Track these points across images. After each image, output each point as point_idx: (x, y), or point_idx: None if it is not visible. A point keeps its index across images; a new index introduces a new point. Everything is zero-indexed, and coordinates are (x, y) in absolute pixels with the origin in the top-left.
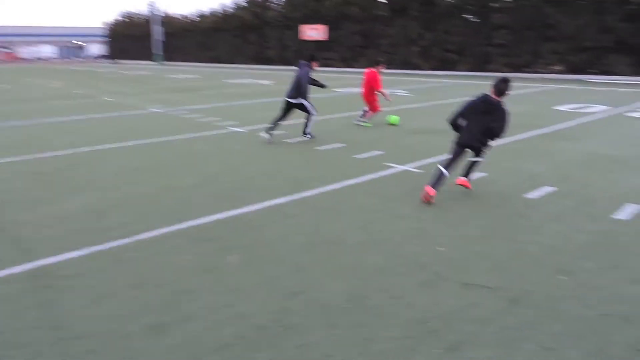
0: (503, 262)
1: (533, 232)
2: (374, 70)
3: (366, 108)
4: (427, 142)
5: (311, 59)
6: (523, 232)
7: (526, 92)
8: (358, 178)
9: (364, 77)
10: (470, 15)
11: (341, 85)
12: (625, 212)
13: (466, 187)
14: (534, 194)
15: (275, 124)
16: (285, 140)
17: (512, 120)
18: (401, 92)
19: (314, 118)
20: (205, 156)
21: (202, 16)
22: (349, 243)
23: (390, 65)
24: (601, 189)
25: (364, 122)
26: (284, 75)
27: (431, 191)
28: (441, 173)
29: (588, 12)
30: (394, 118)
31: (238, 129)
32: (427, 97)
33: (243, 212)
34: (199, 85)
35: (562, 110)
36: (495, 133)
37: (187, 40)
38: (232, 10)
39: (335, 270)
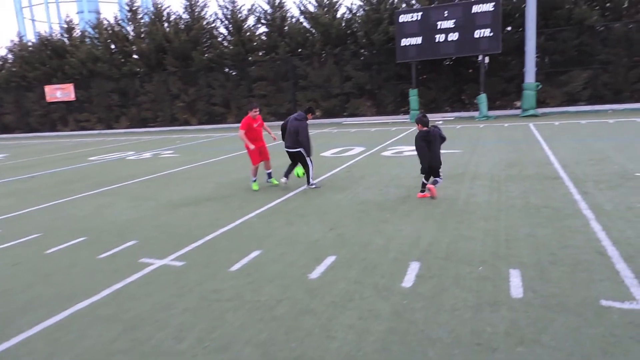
0: None
1: (324, 338)
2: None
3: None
4: (193, 217)
5: (308, 111)
6: (313, 343)
7: None
8: (97, 295)
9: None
10: (230, 68)
11: (97, 152)
12: (410, 276)
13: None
14: (317, 271)
15: (290, 168)
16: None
17: None
18: (167, 153)
19: (311, 169)
20: None
21: None
22: None
23: (155, 123)
24: (381, 248)
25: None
26: (25, 145)
27: (432, 190)
28: (424, 182)
29: (330, 63)
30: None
31: None
32: (196, 155)
33: None
34: None
35: (327, 157)
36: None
37: None
38: None
39: None
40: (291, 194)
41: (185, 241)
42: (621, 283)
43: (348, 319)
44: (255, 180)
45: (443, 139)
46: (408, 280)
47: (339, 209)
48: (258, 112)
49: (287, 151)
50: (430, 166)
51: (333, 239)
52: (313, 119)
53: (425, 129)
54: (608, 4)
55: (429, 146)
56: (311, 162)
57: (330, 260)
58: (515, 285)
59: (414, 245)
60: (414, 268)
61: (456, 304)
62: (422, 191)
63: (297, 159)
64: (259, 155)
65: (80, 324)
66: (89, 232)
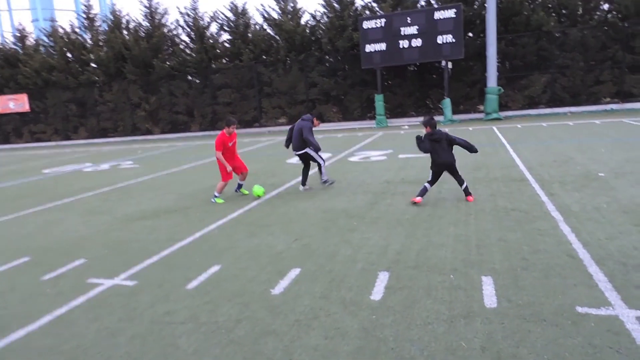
0: None
1: None
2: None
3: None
4: (150, 232)
5: (316, 116)
6: None
7: (258, 147)
8: (36, 323)
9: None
10: (193, 76)
11: (52, 164)
12: (379, 287)
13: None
14: (280, 286)
15: (305, 175)
16: None
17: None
18: (127, 164)
19: (323, 165)
20: None
21: None
22: None
23: (116, 133)
24: (348, 259)
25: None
26: None
27: (419, 200)
28: (425, 187)
29: (295, 70)
30: (258, 190)
31: None
32: (156, 166)
33: None
34: None
35: (293, 163)
36: (469, 147)
37: None
38: None
39: None
40: (255, 203)
41: (139, 258)
42: (595, 287)
43: (313, 339)
44: (218, 196)
45: (451, 141)
46: (377, 293)
47: (305, 218)
48: (235, 129)
49: (296, 154)
50: (441, 166)
51: (298, 250)
52: (318, 125)
53: (434, 130)
54: (564, 11)
55: (435, 146)
56: (322, 159)
57: (294, 273)
58: (489, 294)
59: (382, 254)
60: (382, 279)
61: (428, 317)
62: (420, 195)
63: (305, 160)
64: (234, 171)
65: (11, 359)
66: (32, 252)
